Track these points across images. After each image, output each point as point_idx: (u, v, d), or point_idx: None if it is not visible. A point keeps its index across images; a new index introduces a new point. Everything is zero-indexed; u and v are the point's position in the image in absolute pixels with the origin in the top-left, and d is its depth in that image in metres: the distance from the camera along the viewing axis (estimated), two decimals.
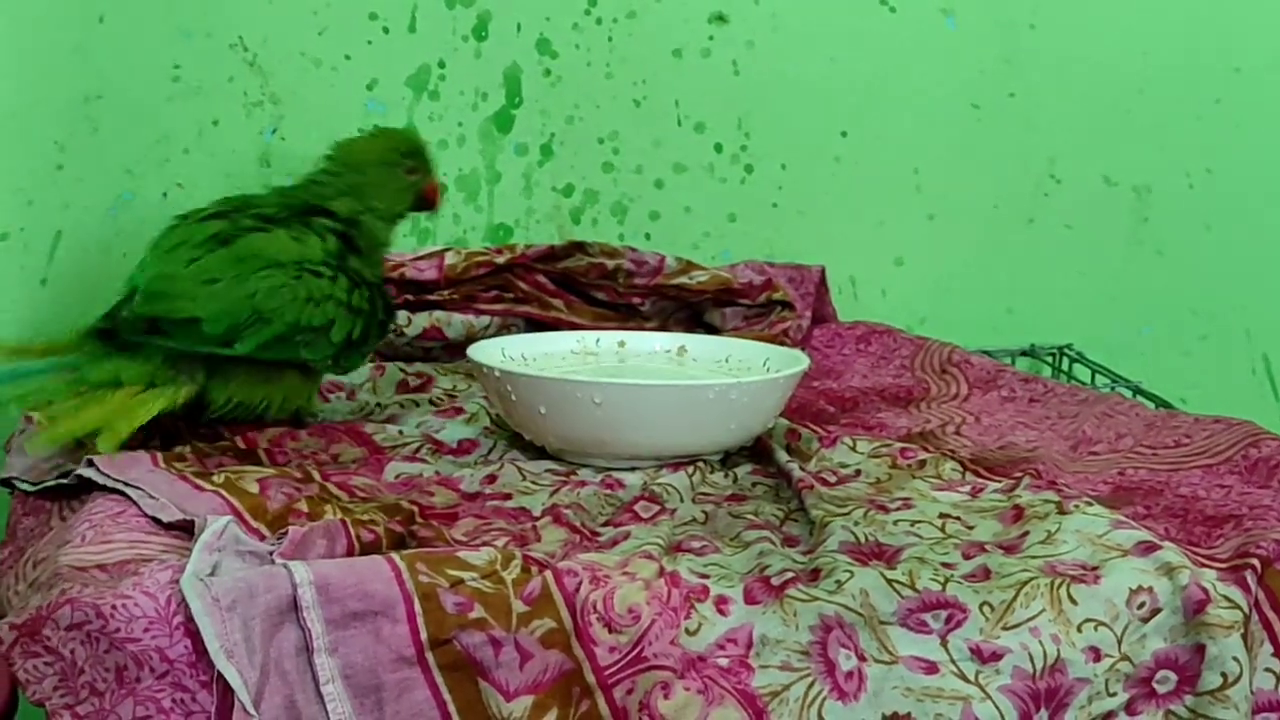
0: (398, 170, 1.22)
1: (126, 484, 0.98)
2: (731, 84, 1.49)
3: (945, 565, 0.92)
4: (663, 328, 1.40)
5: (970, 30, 1.51)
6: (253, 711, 0.80)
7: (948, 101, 1.53)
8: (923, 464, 1.13)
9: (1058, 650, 0.87)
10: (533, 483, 1.11)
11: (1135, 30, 1.54)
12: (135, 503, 0.96)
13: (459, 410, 1.25)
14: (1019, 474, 1.08)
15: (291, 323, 1.13)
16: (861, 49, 1.50)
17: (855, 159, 1.51)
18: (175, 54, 1.38)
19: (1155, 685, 0.88)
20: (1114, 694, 0.88)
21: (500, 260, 1.40)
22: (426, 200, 1.25)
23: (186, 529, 0.93)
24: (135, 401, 1.08)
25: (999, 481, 1.07)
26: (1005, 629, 0.87)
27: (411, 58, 1.44)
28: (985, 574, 0.91)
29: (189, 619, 0.81)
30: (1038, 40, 1.52)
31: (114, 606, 0.81)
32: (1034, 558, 0.93)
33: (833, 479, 1.11)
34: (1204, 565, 0.91)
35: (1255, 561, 0.91)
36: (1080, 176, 1.55)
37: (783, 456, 1.14)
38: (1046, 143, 1.54)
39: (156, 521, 0.94)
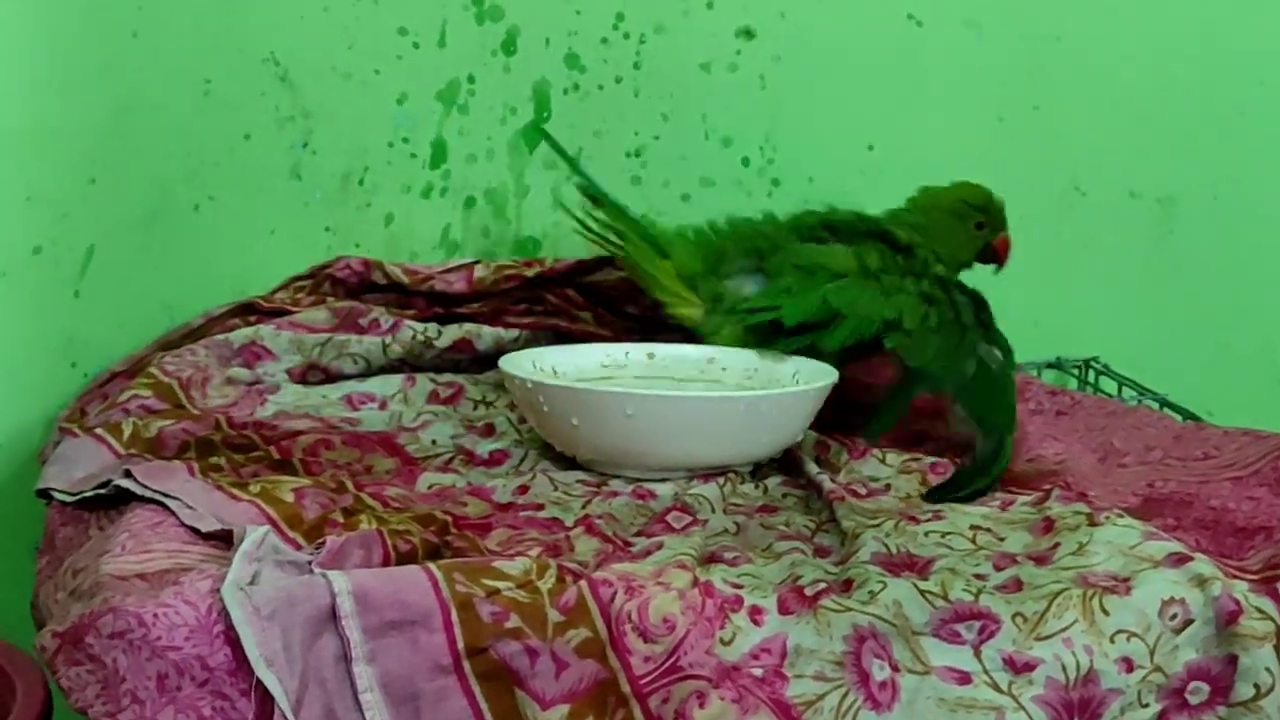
0: (966, 221, 1.29)
1: (164, 494, 0.99)
2: (759, 98, 1.50)
3: (977, 576, 0.92)
4: (689, 340, 1.40)
5: (995, 43, 1.51)
6: (292, 718, 0.80)
7: (973, 114, 1.53)
8: None
9: (1090, 661, 0.87)
10: (565, 493, 1.11)
11: (1159, 43, 1.54)
12: (173, 513, 0.97)
13: (490, 422, 1.25)
14: (1048, 486, 1.08)
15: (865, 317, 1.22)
16: (887, 63, 1.50)
17: (881, 172, 1.51)
18: (207, 68, 1.38)
19: (1188, 696, 0.88)
20: (1146, 705, 0.88)
21: (529, 273, 1.40)
22: (995, 254, 1.31)
23: (224, 538, 0.93)
24: None
25: (1029, 495, 1.07)
26: (1038, 640, 0.87)
27: (441, 72, 1.45)
28: (1017, 585, 0.91)
29: (229, 627, 0.81)
30: (1062, 53, 1.52)
31: (155, 615, 0.82)
32: (1066, 569, 0.93)
33: (863, 491, 1.11)
34: (1235, 577, 0.91)
35: None
36: (1105, 189, 1.55)
37: (813, 468, 1.15)
38: (1071, 155, 1.54)
39: (195, 531, 0.95)
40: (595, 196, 1.34)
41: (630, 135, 1.49)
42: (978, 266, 1.33)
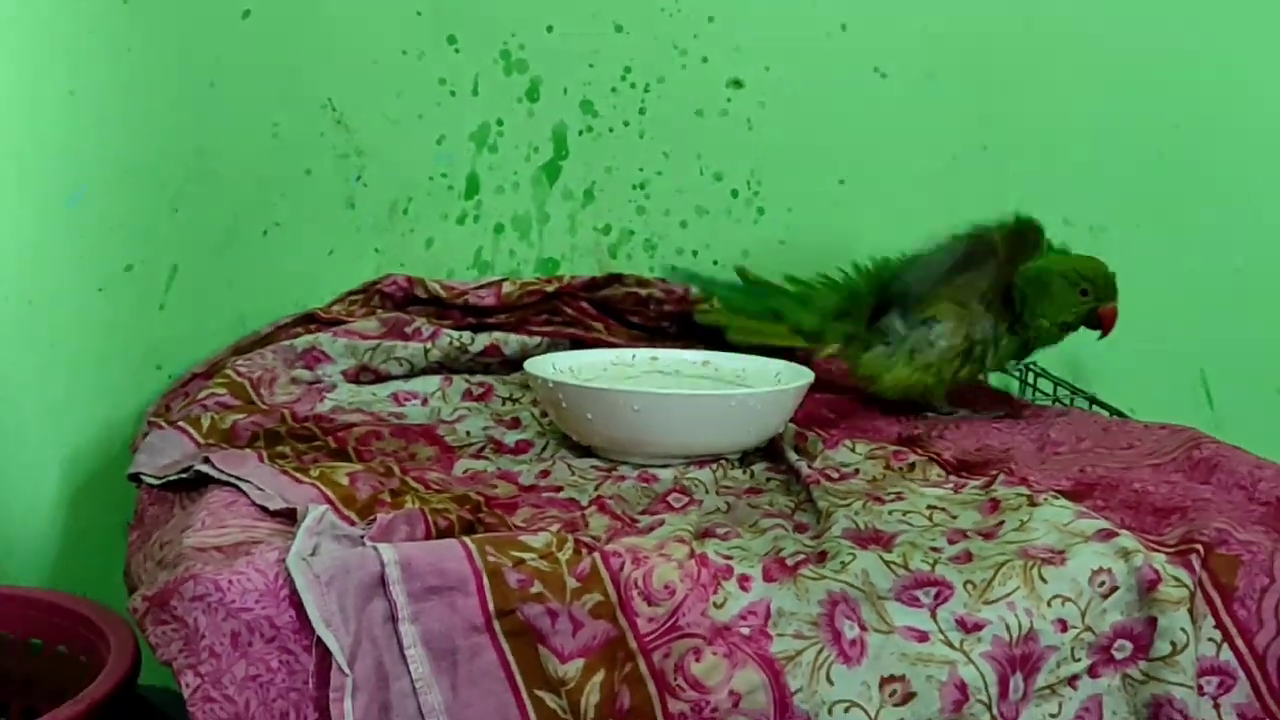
0: (1073, 289, 1.26)
1: (238, 478, 0.99)
2: (746, 139, 1.50)
3: (933, 549, 0.92)
4: (687, 346, 1.40)
5: (950, 93, 1.51)
6: (347, 671, 0.81)
7: (930, 153, 1.53)
8: (912, 466, 1.13)
9: (1030, 622, 0.87)
10: (580, 477, 1.11)
11: (1090, 93, 1.54)
12: (245, 494, 0.97)
13: (516, 416, 1.25)
14: (994, 472, 1.08)
15: None
16: (857, 109, 1.50)
17: (852, 203, 1.51)
18: (274, 114, 1.38)
19: (1114, 652, 0.88)
20: (1079, 659, 0.88)
21: (549, 289, 1.40)
22: (1099, 321, 1.28)
23: (289, 516, 0.94)
24: None
25: (978, 479, 1.07)
26: (986, 604, 0.87)
27: (474, 117, 1.45)
28: (968, 557, 0.91)
29: (293, 592, 0.82)
30: (1008, 101, 1.52)
31: (230, 581, 0.82)
32: (1009, 543, 0.93)
33: (836, 475, 1.11)
34: (1155, 550, 0.92)
35: (1199, 547, 0.91)
36: (1043, 218, 1.54)
37: (792, 456, 1.14)
38: (1015, 188, 1.54)
39: (264, 509, 0.95)
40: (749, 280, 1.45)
41: (636, 171, 1.49)
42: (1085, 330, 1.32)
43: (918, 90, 1.51)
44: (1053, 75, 1.52)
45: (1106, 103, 1.54)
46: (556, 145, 1.47)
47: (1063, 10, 1.51)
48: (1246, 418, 1.59)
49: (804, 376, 1.19)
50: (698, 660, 0.84)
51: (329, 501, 0.96)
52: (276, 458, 1.06)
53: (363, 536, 0.88)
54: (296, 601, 0.82)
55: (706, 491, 1.09)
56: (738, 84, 1.49)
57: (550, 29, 1.44)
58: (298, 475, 1.00)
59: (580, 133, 1.47)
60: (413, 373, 1.33)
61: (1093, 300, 1.27)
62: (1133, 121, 1.55)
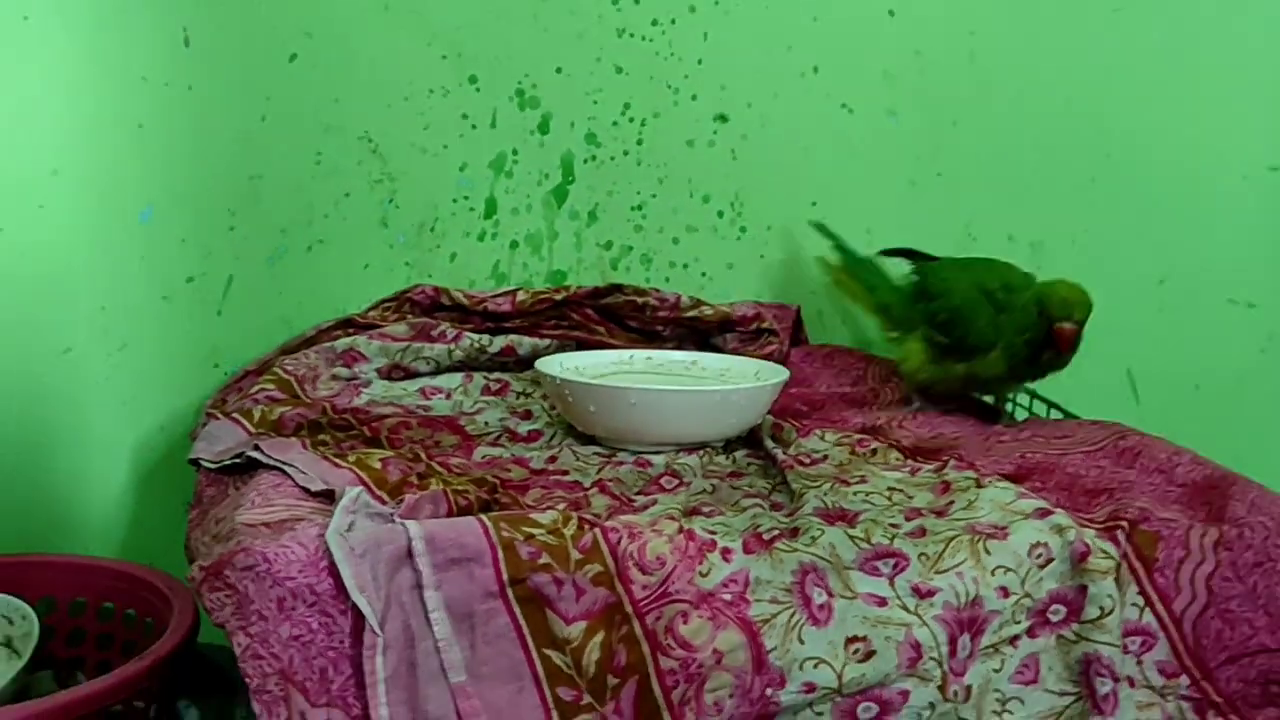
0: (1031, 308, 1.17)
1: (284, 463, 0.99)
2: (730, 167, 1.49)
3: (892, 525, 0.92)
4: (679, 348, 1.40)
5: (909, 126, 1.51)
6: (379, 632, 0.81)
7: (891, 179, 1.52)
8: (874, 452, 1.13)
9: (976, 589, 0.87)
10: (584, 462, 1.11)
11: (1032, 126, 1.53)
12: (290, 477, 0.97)
13: (528, 409, 1.25)
14: (946, 458, 1.08)
15: None
16: (827, 140, 1.50)
17: (823, 222, 1.51)
18: (318, 144, 1.38)
19: (1049, 616, 0.88)
20: (1019, 622, 0.88)
21: (558, 298, 1.40)
22: (1057, 339, 1.16)
23: (328, 496, 0.93)
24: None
25: (931, 464, 1.07)
26: (937, 573, 0.87)
27: (492, 147, 1.44)
28: (922, 532, 0.91)
29: (332, 563, 0.82)
30: (959, 134, 1.52)
31: (276, 553, 0.81)
32: (958, 520, 0.93)
33: (807, 461, 1.11)
34: (1086, 526, 0.92)
35: (1124, 524, 0.91)
36: (990, 235, 1.55)
37: (770, 444, 1.14)
38: (964, 210, 1.54)
39: (306, 491, 0.95)
40: (844, 251, 1.42)
41: (634, 194, 1.48)
42: None
43: (880, 124, 1.51)
44: (997, 110, 1.52)
45: (1045, 133, 1.53)
46: (565, 172, 1.47)
47: (1006, 56, 1.51)
48: (1168, 412, 1.58)
49: (780, 375, 1.19)
50: (685, 622, 0.84)
51: (363, 483, 0.96)
52: (318, 445, 1.05)
53: (393, 514, 0.88)
54: (334, 571, 0.81)
55: (694, 475, 1.08)
56: (723, 118, 1.48)
57: (559, 70, 1.44)
58: (336, 460, 1.00)
59: (585, 161, 1.47)
60: (438, 370, 1.33)
61: (1046, 320, 1.17)
62: (1069, 150, 1.54)
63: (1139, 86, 1.54)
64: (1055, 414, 1.29)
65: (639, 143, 1.48)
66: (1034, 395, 1.41)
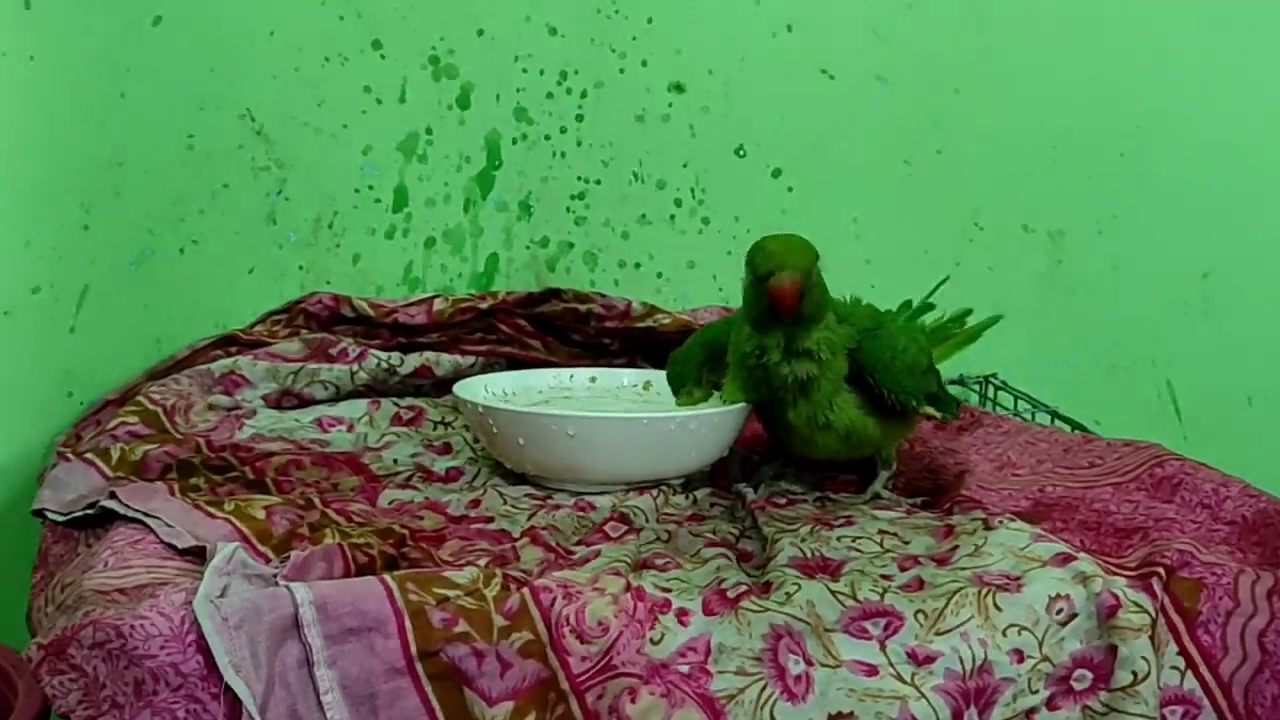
0: (750, 273, 1.08)
1: (145, 513, 0.98)
2: (689, 146, 1.49)
3: (884, 577, 0.92)
4: (631, 365, 1.39)
5: (901, 95, 1.51)
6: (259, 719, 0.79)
7: (882, 159, 1.52)
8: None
9: (985, 653, 0.87)
10: (513, 506, 1.10)
11: (1049, 93, 1.54)
12: (153, 531, 0.96)
13: (447, 441, 1.24)
14: (948, 504, 1.07)
15: None
16: (804, 113, 1.50)
17: (800, 211, 1.51)
18: (189, 124, 1.37)
19: (1073, 683, 0.88)
20: (1036, 691, 0.88)
21: (483, 306, 1.39)
22: (771, 299, 1.05)
23: (199, 554, 0.92)
24: None
25: (931, 512, 1.07)
26: (938, 634, 0.87)
27: (402, 125, 1.44)
28: (920, 584, 0.91)
29: (201, 637, 0.80)
30: (962, 103, 1.52)
31: (132, 626, 0.80)
32: (963, 569, 0.93)
33: (783, 501, 1.10)
34: (1115, 574, 0.91)
35: (1160, 570, 0.91)
36: (1001, 224, 1.55)
37: (739, 483, 1.14)
38: (970, 195, 1.54)
39: (172, 548, 0.94)
40: None
41: (574, 180, 1.48)
42: None
43: (867, 92, 1.51)
44: (1007, 75, 1.52)
45: (1065, 103, 1.54)
46: (489, 154, 1.46)
47: (1017, 7, 1.51)
48: (1215, 430, 1.59)
49: None
50: (634, 701, 0.83)
51: (242, 537, 0.95)
52: (189, 491, 1.04)
53: (276, 575, 0.87)
54: (204, 646, 0.80)
55: (646, 520, 1.08)
56: (679, 88, 1.48)
57: (481, 32, 1.44)
58: (211, 509, 0.99)
59: (514, 141, 1.46)
60: (338, 396, 1.31)
61: (766, 280, 1.06)
62: (1093, 122, 1.55)
63: (1178, 44, 1.55)
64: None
65: (579, 118, 1.47)
66: (1055, 415, 1.41)
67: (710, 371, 1.20)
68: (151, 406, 1.22)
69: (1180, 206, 1.57)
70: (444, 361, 1.35)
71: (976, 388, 1.55)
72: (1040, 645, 0.88)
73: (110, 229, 1.35)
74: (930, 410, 1.13)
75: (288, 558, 0.89)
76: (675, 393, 1.20)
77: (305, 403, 1.31)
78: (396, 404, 1.31)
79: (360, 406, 1.30)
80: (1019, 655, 0.87)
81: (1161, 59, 1.54)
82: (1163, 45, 1.53)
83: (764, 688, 0.84)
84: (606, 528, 1.05)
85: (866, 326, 1.12)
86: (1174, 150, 1.56)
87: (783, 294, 1.04)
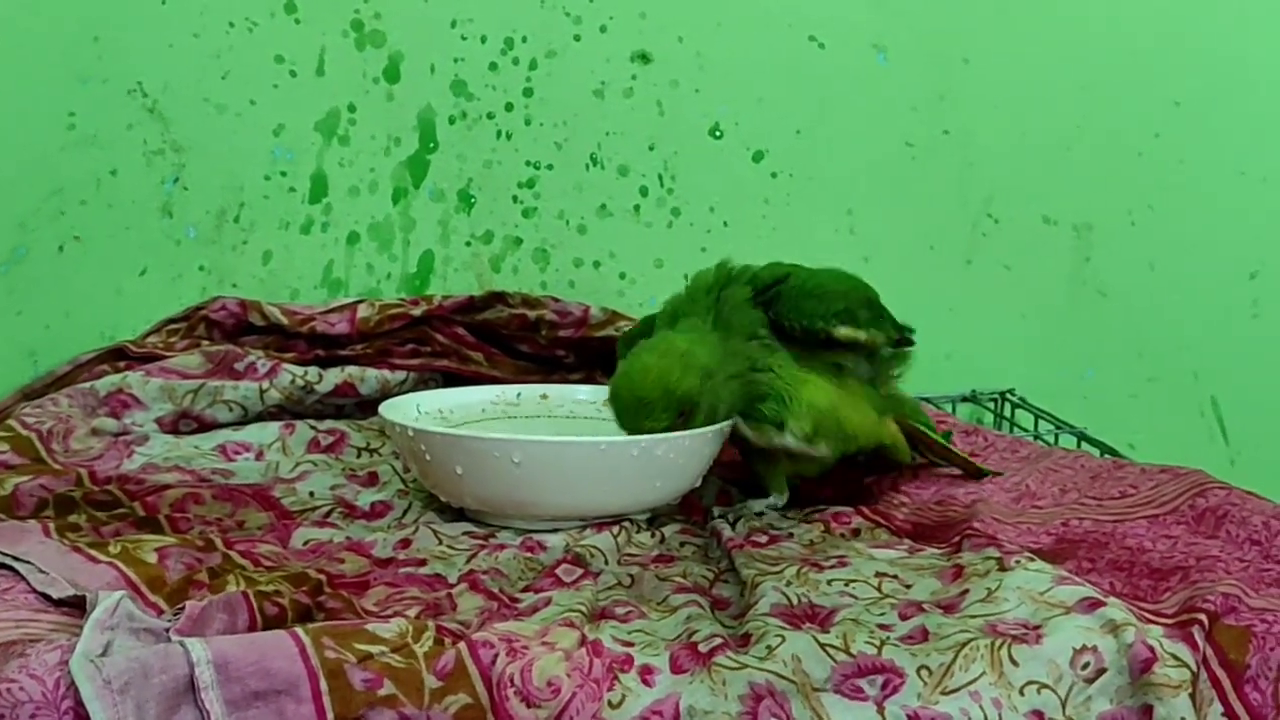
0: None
1: (14, 558, 0.96)
2: (656, 125, 1.50)
3: (881, 627, 0.91)
4: (588, 380, 1.39)
5: (903, 66, 1.52)
6: None
7: (880, 140, 1.53)
8: (856, 532, 1.13)
9: (999, 715, 0.86)
10: (449, 547, 1.10)
11: (1072, 65, 1.55)
12: (24, 578, 0.94)
13: (373, 471, 1.24)
14: (958, 538, 1.07)
15: None
16: (790, 87, 1.51)
17: (786, 201, 1.52)
18: (70, 101, 1.37)
19: None
20: None
21: (416, 312, 1.39)
22: None
23: (78, 605, 0.91)
24: None
25: (939, 548, 1.07)
26: (944, 694, 0.86)
27: (320, 101, 1.44)
28: (923, 635, 0.90)
29: (79, 703, 0.79)
30: (972, 76, 1.53)
31: None
32: (973, 617, 0.92)
33: (764, 539, 1.10)
34: (1150, 621, 0.91)
35: (1203, 616, 0.91)
36: (1019, 215, 1.56)
37: (715, 518, 1.14)
38: (983, 181, 1.55)
39: (46, 598, 0.92)
40: None
41: (522, 165, 1.48)
42: None
43: (863, 64, 1.51)
44: (1025, 43, 1.53)
45: (1092, 75, 1.55)
46: (423, 135, 1.47)
47: None
48: (1267, 454, 1.60)
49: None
50: None
51: (130, 585, 0.94)
52: (67, 530, 1.03)
53: (168, 629, 0.86)
54: (83, 714, 0.79)
55: (605, 561, 1.08)
56: (644, 58, 1.49)
57: None
58: (93, 553, 0.97)
59: (452, 120, 1.47)
60: (245, 419, 1.32)
61: None
62: (1124, 98, 1.56)
63: (1224, 5, 1.55)
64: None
65: (527, 93, 1.48)
66: (1081, 436, 1.41)
67: None
68: (24, 432, 1.22)
69: (1224, 196, 1.58)
70: (370, 377, 1.35)
71: (991, 405, 1.55)
72: (1063, 706, 0.87)
73: None
74: (848, 331, 1.18)
75: (183, 609, 0.88)
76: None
77: (206, 426, 1.30)
78: (314, 427, 1.31)
79: (271, 430, 1.29)
80: (1039, 718, 0.87)
81: (1205, 24, 1.55)
82: (1207, 6, 1.54)
83: None
84: (558, 571, 1.05)
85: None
86: (1217, 131, 1.57)
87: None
